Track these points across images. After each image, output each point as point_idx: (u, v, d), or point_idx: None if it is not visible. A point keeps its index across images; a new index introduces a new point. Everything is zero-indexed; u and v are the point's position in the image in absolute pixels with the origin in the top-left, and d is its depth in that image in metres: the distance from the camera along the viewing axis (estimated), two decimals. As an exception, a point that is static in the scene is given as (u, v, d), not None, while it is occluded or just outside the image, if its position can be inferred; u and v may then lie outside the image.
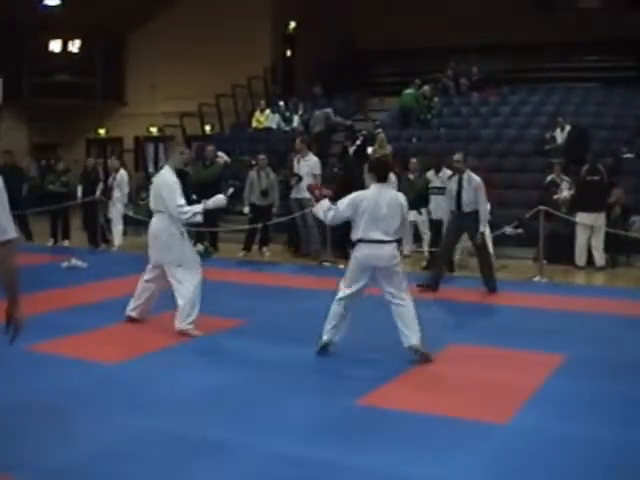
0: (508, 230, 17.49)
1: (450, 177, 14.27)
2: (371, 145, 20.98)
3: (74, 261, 16.18)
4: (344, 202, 9.13)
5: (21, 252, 15.86)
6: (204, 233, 18.20)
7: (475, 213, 13.41)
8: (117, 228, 19.38)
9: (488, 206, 13.84)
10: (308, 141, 18.94)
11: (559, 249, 16.53)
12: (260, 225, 18.15)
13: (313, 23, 29.13)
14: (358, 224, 9.03)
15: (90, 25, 30.90)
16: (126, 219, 19.85)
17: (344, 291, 9.25)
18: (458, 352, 9.61)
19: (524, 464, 6.20)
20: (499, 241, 17.12)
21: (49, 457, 6.21)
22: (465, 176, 13.51)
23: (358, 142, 21.56)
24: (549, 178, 17.89)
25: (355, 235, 9.12)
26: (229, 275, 15.21)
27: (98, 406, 7.47)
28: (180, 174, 10.67)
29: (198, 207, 10.29)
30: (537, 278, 14.97)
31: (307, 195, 17.27)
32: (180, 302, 10.23)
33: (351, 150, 20.97)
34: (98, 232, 19.91)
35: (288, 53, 31.23)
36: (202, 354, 9.52)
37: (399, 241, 9.39)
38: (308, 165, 17.59)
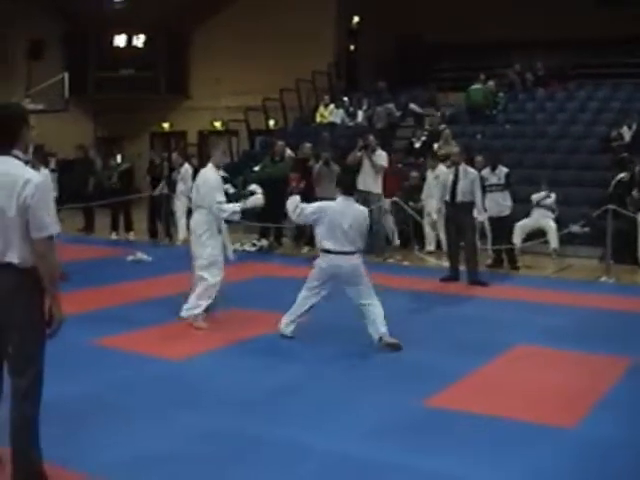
0: (574, 228, 17.30)
1: (448, 168, 15.16)
2: (436, 141, 20.91)
3: (139, 255, 16.29)
4: (310, 207, 9.62)
5: (87, 245, 16.11)
6: (269, 229, 18.25)
7: (468, 204, 14.13)
8: (181, 222, 19.40)
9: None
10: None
11: (626, 249, 16.25)
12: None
13: (376, 18, 28.99)
14: (321, 233, 9.45)
15: (154, 20, 31.10)
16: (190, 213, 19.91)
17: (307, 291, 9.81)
18: (524, 353, 9.53)
19: (594, 470, 6.14)
20: (565, 240, 16.97)
21: (106, 451, 6.25)
22: (461, 168, 14.20)
23: (424, 138, 21.51)
24: (620, 176, 17.51)
25: (318, 244, 9.59)
26: (292, 271, 15.18)
27: (157, 403, 7.51)
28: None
29: (237, 206, 10.63)
30: (604, 278, 14.75)
31: (373, 189, 17.32)
32: (193, 293, 10.58)
33: (417, 146, 20.92)
34: (160, 226, 20.05)
35: (352, 48, 31.10)
36: (263, 352, 9.47)
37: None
38: (378, 159, 17.44)
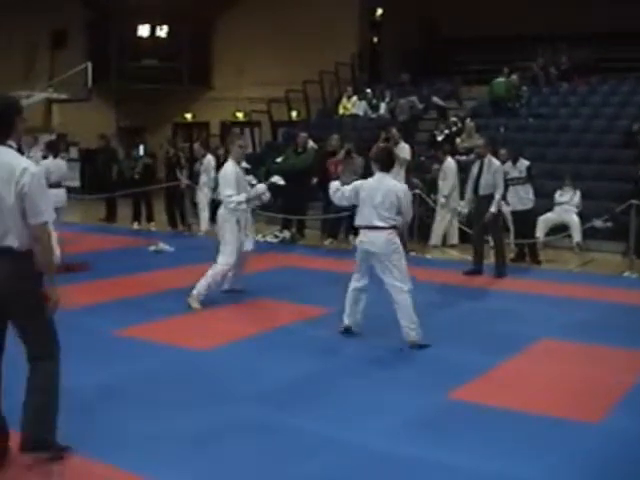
0: (597, 223, 17.23)
1: (473, 162, 14.76)
2: (459, 134, 20.85)
3: (161, 245, 16.33)
4: (349, 187, 9.63)
5: (109, 235, 16.20)
6: (291, 220, 18.25)
7: (491, 196, 13.96)
8: (203, 213, 19.45)
9: None
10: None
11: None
12: (347, 213, 18.06)
13: (399, 10, 28.93)
14: (359, 210, 9.46)
15: (178, 10, 31.16)
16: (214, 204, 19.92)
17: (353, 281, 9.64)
18: (548, 347, 9.50)
19: (615, 464, 6.13)
20: (588, 234, 16.91)
21: (131, 443, 6.27)
22: (486, 160, 14.09)
23: (447, 131, 21.45)
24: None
25: (356, 221, 9.56)
26: (314, 262, 15.23)
27: (182, 393, 7.53)
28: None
29: (242, 196, 11.18)
30: (627, 273, 14.67)
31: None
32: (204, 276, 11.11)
33: (440, 139, 20.86)
34: (177, 216, 20.14)
35: (375, 40, 31.07)
36: (287, 343, 9.45)
37: (397, 228, 9.47)
38: (401, 152, 17.42)
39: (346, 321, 9.64)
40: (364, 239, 9.28)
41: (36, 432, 5.66)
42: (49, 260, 5.59)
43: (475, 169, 14.28)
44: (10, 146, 5.66)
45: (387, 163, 9.51)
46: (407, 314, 9.14)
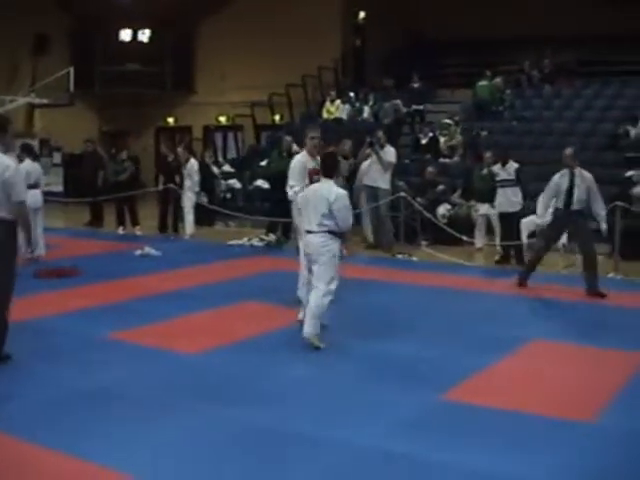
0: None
1: (561, 173, 13.64)
2: (443, 136, 20.95)
3: (147, 249, 16.28)
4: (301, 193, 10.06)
5: (95, 240, 16.16)
6: (276, 223, 18.23)
7: (584, 211, 12.95)
8: (189, 217, 19.43)
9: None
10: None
11: (634, 245, 16.24)
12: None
13: (382, 13, 29.00)
14: (303, 214, 9.75)
15: (160, 15, 31.14)
16: (198, 207, 19.90)
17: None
18: (539, 348, 9.53)
19: (612, 463, 6.15)
20: (572, 236, 17.02)
21: (121, 445, 6.26)
22: (577, 172, 12.91)
23: (431, 134, 21.55)
24: (629, 174, 17.50)
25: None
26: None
27: (172, 396, 7.51)
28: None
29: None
30: (612, 274, 14.72)
31: (382, 185, 17.35)
32: None
33: (424, 142, 20.94)
34: (170, 220, 20.09)
35: (358, 43, 31.10)
36: (275, 346, 9.42)
37: (335, 233, 9.50)
38: (386, 155, 17.44)
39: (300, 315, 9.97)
40: (305, 241, 9.62)
41: None
42: (26, 224, 8.38)
43: (564, 182, 12.98)
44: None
45: (329, 169, 9.68)
46: (311, 311, 9.31)
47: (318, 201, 9.36)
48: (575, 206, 12.83)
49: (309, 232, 9.46)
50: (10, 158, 8.63)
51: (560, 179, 13.04)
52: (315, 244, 9.36)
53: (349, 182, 17.34)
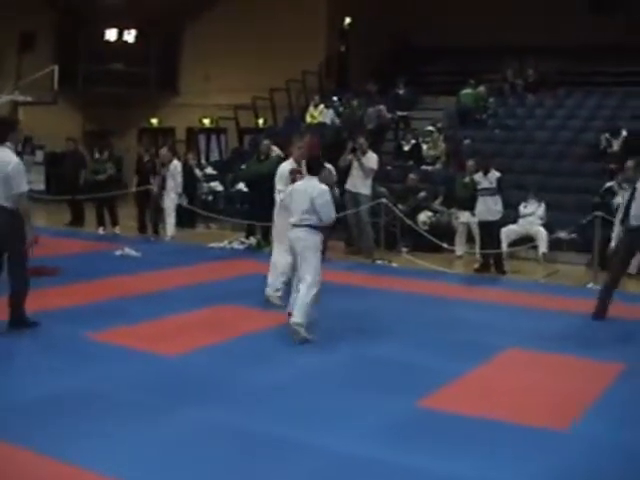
0: (562, 235, 17.41)
1: (620, 186, 12.92)
2: (425, 143, 21.00)
3: (127, 250, 16.27)
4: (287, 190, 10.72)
5: (76, 239, 16.11)
6: (256, 227, 18.22)
7: None
8: (170, 219, 19.37)
9: None
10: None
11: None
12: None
13: (368, 19, 29.05)
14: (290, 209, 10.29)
15: (146, 15, 31.09)
16: (180, 209, 19.86)
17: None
18: (515, 356, 9.57)
19: (586, 472, 6.18)
20: (553, 245, 17.09)
21: (101, 447, 6.24)
22: (639, 185, 11.70)
23: (413, 141, 21.60)
24: (608, 185, 17.56)
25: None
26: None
27: (151, 398, 7.52)
28: None
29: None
30: (590, 285, 14.77)
31: (363, 191, 17.38)
32: None
33: (406, 148, 20.98)
34: (149, 221, 20.07)
35: (342, 48, 31.10)
36: (255, 349, 9.45)
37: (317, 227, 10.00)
38: (368, 161, 17.47)
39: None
40: (290, 235, 10.05)
41: None
42: (27, 213, 9.34)
43: (624, 196, 12.37)
44: (8, 147, 9.51)
45: (313, 167, 10.32)
46: (300, 304, 9.65)
47: (302, 197, 9.93)
48: (634, 221, 11.62)
49: (295, 226, 9.98)
50: (12, 153, 9.52)
51: (623, 194, 12.39)
52: (300, 237, 9.86)
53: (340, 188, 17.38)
